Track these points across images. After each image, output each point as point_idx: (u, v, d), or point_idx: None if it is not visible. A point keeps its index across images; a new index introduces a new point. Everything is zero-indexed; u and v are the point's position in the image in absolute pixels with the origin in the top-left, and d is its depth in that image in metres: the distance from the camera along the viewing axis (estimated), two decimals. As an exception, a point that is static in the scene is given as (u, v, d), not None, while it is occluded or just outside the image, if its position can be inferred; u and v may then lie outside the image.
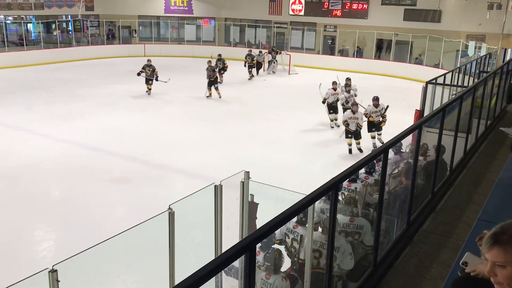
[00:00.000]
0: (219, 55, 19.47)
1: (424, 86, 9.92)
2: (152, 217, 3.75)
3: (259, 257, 4.37)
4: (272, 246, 4.55)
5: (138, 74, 16.66)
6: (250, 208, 4.37)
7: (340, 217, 4.22)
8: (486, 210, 3.49)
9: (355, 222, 4.53)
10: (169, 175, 9.76)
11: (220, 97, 16.57)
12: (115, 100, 15.98)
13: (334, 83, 13.18)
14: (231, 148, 11.31)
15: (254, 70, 21.30)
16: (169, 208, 3.70)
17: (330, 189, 2.89)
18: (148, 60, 16.82)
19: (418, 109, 9.95)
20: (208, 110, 15.37)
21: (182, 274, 4.75)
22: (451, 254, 4.04)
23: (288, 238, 4.60)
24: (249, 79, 20.78)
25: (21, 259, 6.37)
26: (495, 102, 8.61)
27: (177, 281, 4.52)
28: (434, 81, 10.39)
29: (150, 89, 16.71)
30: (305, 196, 2.69)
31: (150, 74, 16.47)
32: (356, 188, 5.31)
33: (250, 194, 4.50)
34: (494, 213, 3.40)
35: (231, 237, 4.50)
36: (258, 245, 2.14)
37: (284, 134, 12.68)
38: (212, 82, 16.48)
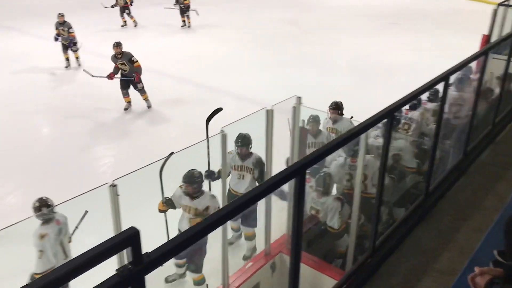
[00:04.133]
0: None
1: (495, 8, 9.13)
2: (205, 139, 3.84)
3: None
4: (323, 170, 4.61)
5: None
6: (301, 133, 4.36)
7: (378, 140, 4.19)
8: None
9: (394, 144, 4.49)
10: (220, 98, 9.82)
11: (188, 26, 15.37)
12: (169, 22, 15.92)
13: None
14: (283, 73, 11.14)
15: None
16: (222, 130, 3.75)
17: (385, 117, 2.81)
18: None
19: (486, 33, 9.24)
20: (261, 32, 15.04)
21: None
22: (508, 187, 3.91)
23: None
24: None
25: (85, 173, 6.80)
26: None
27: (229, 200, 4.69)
28: (507, 2, 9.50)
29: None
30: (358, 123, 2.63)
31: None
32: (412, 116, 5.16)
33: (302, 120, 4.47)
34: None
35: (281, 162, 4.57)
36: (307, 170, 2.14)
37: (340, 60, 12.29)
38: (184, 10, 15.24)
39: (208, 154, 4.77)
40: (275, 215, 4.30)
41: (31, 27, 14.48)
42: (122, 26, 15.19)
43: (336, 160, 4.76)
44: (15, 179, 6.75)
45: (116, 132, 8.29)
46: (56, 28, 11.10)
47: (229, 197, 4.86)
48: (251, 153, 4.88)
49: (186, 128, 8.30)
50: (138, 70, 8.72)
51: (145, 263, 1.30)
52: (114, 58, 8.67)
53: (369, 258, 3.14)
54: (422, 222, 3.58)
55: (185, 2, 15.03)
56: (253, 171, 4.85)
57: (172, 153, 4.71)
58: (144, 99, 8.99)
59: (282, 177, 1.95)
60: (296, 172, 2.03)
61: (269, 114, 3.93)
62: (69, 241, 4.08)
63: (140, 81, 8.79)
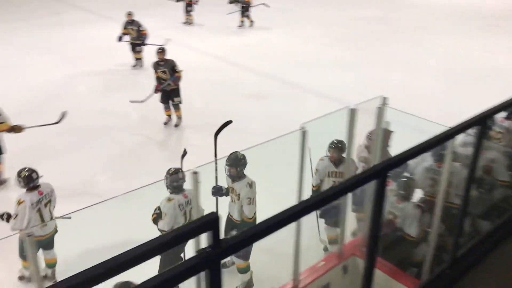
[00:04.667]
0: None
1: None
2: (286, 133, 3.86)
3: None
4: (404, 174, 4.46)
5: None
6: (384, 135, 4.24)
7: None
8: None
9: (486, 154, 4.21)
10: (302, 94, 9.83)
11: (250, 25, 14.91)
12: (256, 17, 16.15)
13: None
14: (369, 72, 10.88)
15: None
16: (302, 127, 3.75)
17: (476, 124, 2.65)
18: None
19: None
20: (348, 30, 14.78)
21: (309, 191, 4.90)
22: None
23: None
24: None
25: (170, 159, 7.13)
26: None
27: (305, 197, 4.69)
28: None
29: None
30: (447, 128, 2.51)
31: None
32: (510, 126, 4.82)
33: (385, 121, 4.35)
34: None
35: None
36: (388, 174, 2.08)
37: (431, 60, 11.75)
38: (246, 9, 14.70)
39: (216, 169, 4.75)
40: (352, 216, 4.24)
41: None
42: (184, 23, 14.87)
43: (421, 164, 4.58)
44: (113, 163, 7.22)
45: (197, 122, 8.57)
46: (124, 28, 10.63)
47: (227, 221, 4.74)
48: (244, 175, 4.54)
49: (267, 122, 8.40)
50: (177, 80, 7.94)
51: (223, 248, 1.34)
52: (156, 65, 7.95)
53: (448, 270, 2.99)
54: (510, 238, 3.34)
55: (247, 0, 14.49)
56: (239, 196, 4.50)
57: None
58: (176, 116, 8.23)
59: (364, 178, 1.92)
60: (378, 173, 1.98)
61: (352, 113, 3.86)
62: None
63: (179, 95, 8.05)
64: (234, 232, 4.52)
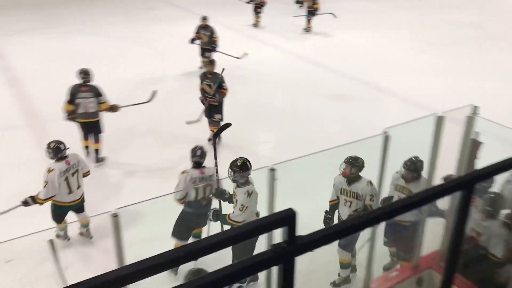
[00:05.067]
0: None
1: None
2: (366, 137, 3.78)
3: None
4: (492, 190, 4.19)
5: None
6: (472, 146, 4.00)
7: None
8: None
9: None
10: (386, 98, 9.55)
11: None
12: (347, 17, 15.93)
13: None
14: (460, 79, 10.32)
15: None
16: (385, 131, 3.65)
17: None
18: None
19: None
20: (440, 34, 14.10)
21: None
22: None
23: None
24: None
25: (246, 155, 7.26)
26: None
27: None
28: None
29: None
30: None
31: None
32: None
33: (475, 131, 4.10)
34: None
35: (445, 172, 4.27)
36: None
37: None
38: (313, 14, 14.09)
39: (217, 172, 4.79)
40: (431, 228, 4.06)
41: (219, 16, 15.80)
42: (253, 25, 14.67)
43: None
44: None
45: (277, 121, 8.63)
46: (197, 32, 10.34)
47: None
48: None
49: (346, 124, 8.27)
50: (221, 96, 7.20)
51: (298, 244, 1.35)
52: (203, 76, 7.30)
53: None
54: None
55: (315, 6, 13.90)
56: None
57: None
58: (211, 132, 7.44)
59: (448, 188, 1.83)
60: (464, 184, 1.88)
61: (439, 121, 3.69)
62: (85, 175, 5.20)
63: (221, 112, 7.31)
64: None
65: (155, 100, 7.22)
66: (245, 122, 8.40)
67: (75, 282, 1.02)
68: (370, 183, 4.33)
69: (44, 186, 4.83)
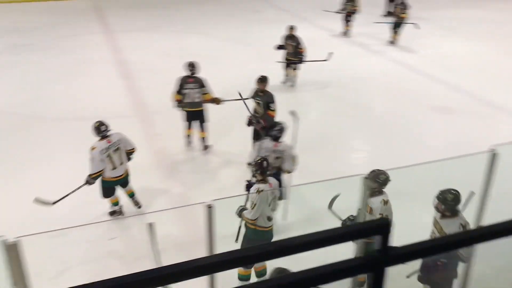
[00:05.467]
0: None
1: None
2: (471, 154, 3.56)
3: None
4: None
5: None
6: None
7: None
8: None
9: None
10: (496, 114, 8.87)
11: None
12: (455, 25, 15.08)
13: None
14: None
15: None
16: (492, 149, 3.41)
17: None
18: None
19: None
20: None
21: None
22: None
23: None
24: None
25: (340, 161, 7.18)
26: None
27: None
28: None
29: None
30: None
31: None
32: None
33: None
34: None
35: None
36: None
37: None
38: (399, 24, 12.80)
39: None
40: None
41: (320, 20, 15.76)
42: (343, 33, 13.99)
43: None
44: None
45: (375, 129, 8.40)
46: (283, 42, 9.85)
47: None
48: None
49: (449, 138, 7.82)
50: (268, 119, 6.51)
51: (390, 255, 1.32)
52: (255, 94, 6.83)
53: None
54: None
55: (402, 15, 12.76)
56: None
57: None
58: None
59: None
60: None
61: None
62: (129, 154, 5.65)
63: (264, 130, 6.35)
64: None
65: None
66: (340, 128, 8.31)
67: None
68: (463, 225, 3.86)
69: (90, 163, 5.35)
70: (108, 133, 5.47)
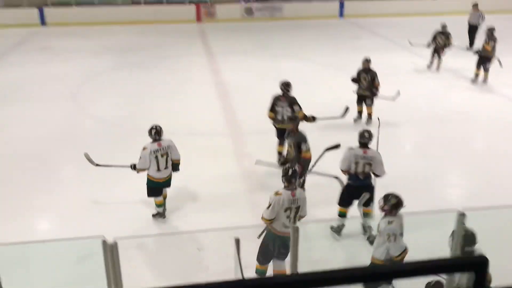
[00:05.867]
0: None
1: None
2: None
3: None
4: None
5: None
6: None
7: None
8: None
9: None
10: None
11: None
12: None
13: None
14: None
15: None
16: None
17: None
18: None
19: None
20: None
21: None
22: None
23: None
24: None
25: (431, 194, 6.83)
26: None
27: None
28: None
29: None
30: None
31: None
32: None
33: None
34: None
35: None
36: None
37: None
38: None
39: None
40: None
41: (421, 50, 15.18)
42: (428, 66, 13.13)
43: None
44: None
45: (472, 165, 7.88)
46: (358, 75, 9.18)
47: None
48: None
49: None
50: (305, 162, 6.05)
51: (486, 295, 1.27)
52: (287, 134, 6.63)
53: None
54: None
55: (487, 47, 11.44)
56: None
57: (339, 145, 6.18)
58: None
59: None
60: None
61: None
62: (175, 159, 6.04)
63: (303, 175, 5.89)
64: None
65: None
66: (435, 161, 7.93)
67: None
68: None
69: (139, 160, 5.87)
70: (160, 138, 5.94)
